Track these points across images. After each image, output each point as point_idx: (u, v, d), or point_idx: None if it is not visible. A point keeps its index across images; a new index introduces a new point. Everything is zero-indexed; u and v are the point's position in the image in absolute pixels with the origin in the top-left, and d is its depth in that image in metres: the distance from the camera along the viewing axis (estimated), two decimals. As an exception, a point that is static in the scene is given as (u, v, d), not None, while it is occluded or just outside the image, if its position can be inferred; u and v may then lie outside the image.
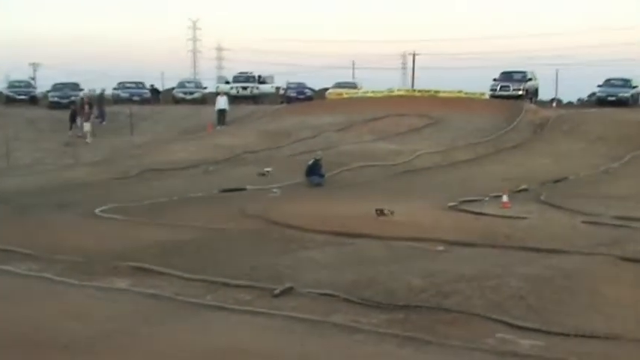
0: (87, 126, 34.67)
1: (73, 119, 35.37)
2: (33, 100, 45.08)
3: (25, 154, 30.92)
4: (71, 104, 37.99)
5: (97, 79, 66.18)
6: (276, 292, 9.41)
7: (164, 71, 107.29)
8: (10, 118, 37.45)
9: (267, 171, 23.44)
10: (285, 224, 14.49)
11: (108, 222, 15.44)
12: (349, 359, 7.11)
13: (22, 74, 59.87)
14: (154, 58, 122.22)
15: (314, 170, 21.95)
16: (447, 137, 29.90)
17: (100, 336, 7.90)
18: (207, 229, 14.17)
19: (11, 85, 47.20)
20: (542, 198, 18.13)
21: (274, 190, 20.25)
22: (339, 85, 50.11)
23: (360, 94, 45.69)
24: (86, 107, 35.54)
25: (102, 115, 37.77)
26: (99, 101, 39.07)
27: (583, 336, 7.95)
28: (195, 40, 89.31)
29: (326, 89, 50.45)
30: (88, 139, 33.84)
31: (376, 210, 15.38)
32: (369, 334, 7.79)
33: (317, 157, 22.41)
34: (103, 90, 42.58)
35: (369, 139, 30.25)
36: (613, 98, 40.07)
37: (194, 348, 7.53)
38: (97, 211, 16.34)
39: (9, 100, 44.62)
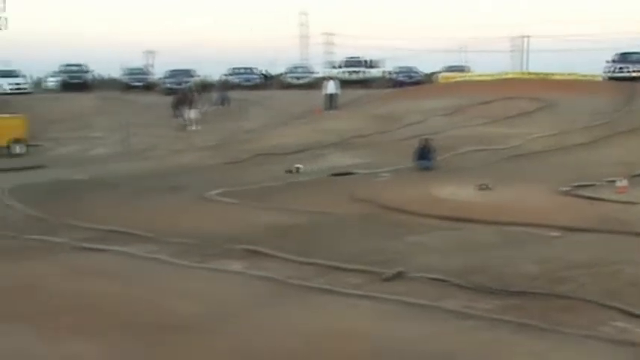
0: (193, 113, 34.87)
1: (176, 107, 35.64)
2: (148, 87, 46.28)
3: (140, 139, 31.80)
4: (176, 92, 38.42)
5: (211, 65, 67.36)
6: (386, 276, 9.42)
7: (274, 56, 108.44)
8: (127, 105, 38.59)
9: (297, 167, 21.74)
10: (394, 208, 14.48)
11: (220, 205, 15.75)
12: (461, 345, 7.04)
13: (137, 62, 61.44)
14: (265, 43, 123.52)
15: (423, 154, 21.83)
16: (559, 120, 29.16)
17: (215, 317, 8.08)
18: (316, 213, 14.28)
19: (128, 73, 48.57)
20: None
21: (383, 174, 20.24)
22: (448, 69, 49.67)
23: (469, 78, 45.13)
24: (194, 95, 35.91)
25: (223, 100, 38.44)
26: (222, 87, 39.99)
27: None
28: (304, 25, 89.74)
29: (435, 73, 50.05)
30: (194, 127, 34.09)
31: (479, 185, 16.04)
32: (481, 321, 7.68)
33: (426, 141, 22.27)
34: (226, 76, 43.50)
35: (479, 122, 29.82)
36: None
37: (305, 330, 7.61)
38: (209, 194, 16.69)
39: (126, 87, 45.93)
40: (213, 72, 50.55)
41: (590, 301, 8.26)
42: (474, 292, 8.71)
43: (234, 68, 48.87)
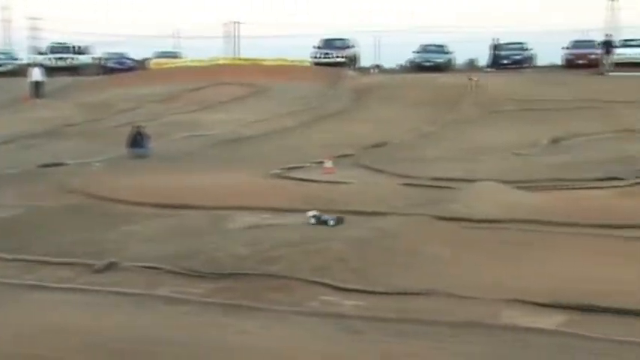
0: None
1: None
2: None
3: None
4: None
5: None
6: (98, 267, 9.25)
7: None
8: None
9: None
10: (107, 198, 14.17)
11: None
12: (174, 330, 7.07)
13: None
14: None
15: (137, 142, 21.58)
16: (270, 105, 30.08)
17: None
18: (24, 207, 13.63)
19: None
20: (364, 163, 18.59)
21: (96, 163, 19.72)
22: (160, 55, 49.33)
23: (181, 64, 45.18)
24: None
25: None
26: None
27: (403, 294, 8.26)
28: (6, 9, 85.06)
29: (147, 59, 49.51)
30: None
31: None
32: (193, 305, 7.79)
33: (138, 128, 22.04)
34: None
35: (193, 109, 30.00)
36: (430, 63, 41.46)
37: (15, 327, 7.26)
38: None
39: None
40: None
41: (299, 279, 8.62)
42: (186, 277, 8.81)
43: None
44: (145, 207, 13.41)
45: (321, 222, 11.66)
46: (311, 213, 11.86)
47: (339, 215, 11.90)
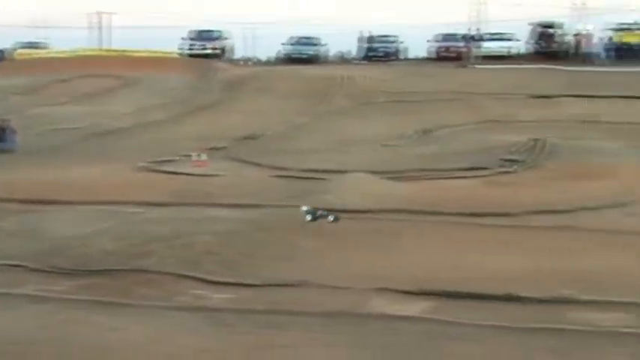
0: None
1: None
2: None
3: None
4: None
5: None
6: (-48, 266, 8.90)
7: None
8: None
9: None
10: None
11: None
12: (40, 329, 6.85)
13: None
14: None
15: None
16: (140, 98, 29.56)
17: None
18: None
19: None
20: (236, 155, 18.52)
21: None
22: (24, 45, 47.63)
23: (48, 55, 43.82)
24: None
25: None
26: None
27: (275, 285, 8.27)
28: None
29: (8, 49, 47.68)
30: None
31: None
32: (59, 303, 7.58)
33: (2, 122, 21.29)
34: None
35: (61, 101, 29.18)
36: (302, 55, 41.60)
37: None
38: None
39: None
40: None
41: (168, 273, 8.53)
42: (52, 274, 8.57)
43: None
44: (8, 203, 12.95)
45: (317, 217, 11.05)
46: (305, 208, 11.26)
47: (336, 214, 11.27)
